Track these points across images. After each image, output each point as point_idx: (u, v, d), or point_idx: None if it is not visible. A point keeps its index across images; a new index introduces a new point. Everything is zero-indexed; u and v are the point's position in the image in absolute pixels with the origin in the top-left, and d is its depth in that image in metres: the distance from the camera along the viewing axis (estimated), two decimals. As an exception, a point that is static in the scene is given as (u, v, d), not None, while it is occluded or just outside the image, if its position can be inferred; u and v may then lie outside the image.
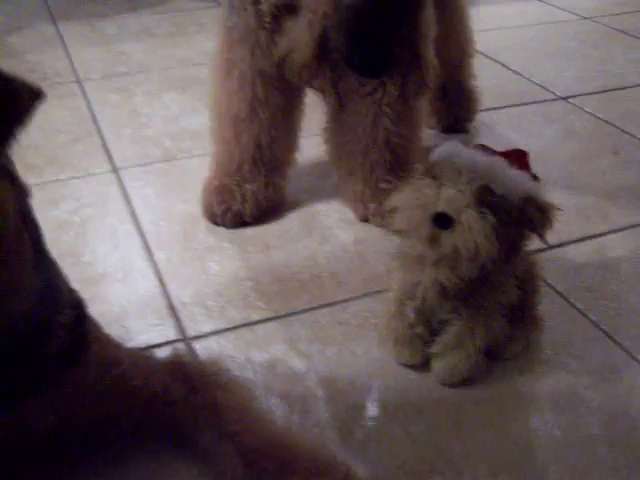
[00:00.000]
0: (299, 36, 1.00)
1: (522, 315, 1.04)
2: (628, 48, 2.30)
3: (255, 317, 1.13)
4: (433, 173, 0.95)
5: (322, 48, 0.98)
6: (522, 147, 1.05)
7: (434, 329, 1.02)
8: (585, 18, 2.54)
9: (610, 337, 1.11)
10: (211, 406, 0.88)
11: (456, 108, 1.69)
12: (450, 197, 0.90)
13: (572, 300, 1.18)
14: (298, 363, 1.04)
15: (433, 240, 0.91)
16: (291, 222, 1.36)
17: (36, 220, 0.78)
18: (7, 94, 0.65)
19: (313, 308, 1.15)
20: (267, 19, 1.18)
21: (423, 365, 1.03)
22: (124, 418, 0.88)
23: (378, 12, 0.93)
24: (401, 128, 1.30)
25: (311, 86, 1.17)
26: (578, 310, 1.16)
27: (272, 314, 1.14)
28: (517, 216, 0.93)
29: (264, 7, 1.17)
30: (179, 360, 0.95)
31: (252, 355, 1.06)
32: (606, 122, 1.79)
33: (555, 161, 1.60)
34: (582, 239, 1.34)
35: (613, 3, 2.69)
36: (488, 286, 0.98)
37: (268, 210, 1.36)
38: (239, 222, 1.33)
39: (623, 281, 1.23)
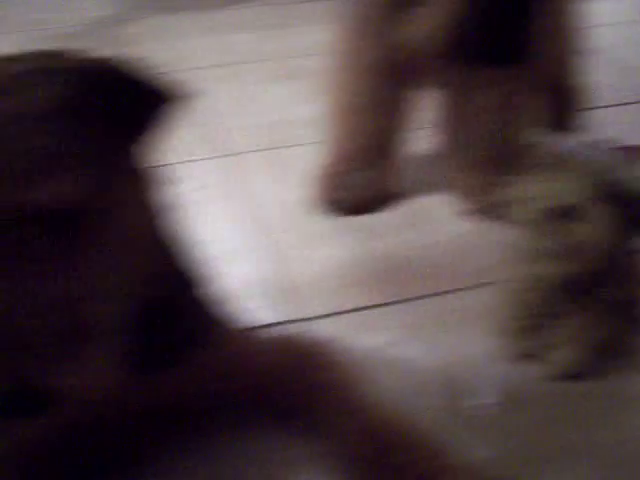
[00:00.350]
0: (430, 26, 1.01)
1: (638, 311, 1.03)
2: None
3: (369, 302, 1.15)
4: (553, 165, 0.95)
5: (455, 38, 0.99)
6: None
7: (549, 321, 1.02)
8: None
9: None
10: (329, 385, 0.90)
11: (561, 105, 1.67)
12: (575, 189, 0.90)
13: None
14: (413, 349, 1.06)
15: (556, 233, 0.91)
16: (403, 211, 1.38)
17: (165, 203, 0.81)
18: (138, 98, 0.67)
19: (427, 296, 1.16)
20: (389, 8, 1.19)
21: (537, 357, 1.03)
22: (242, 396, 0.91)
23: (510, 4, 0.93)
24: (517, 122, 1.30)
25: (435, 78, 1.17)
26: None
27: (386, 300, 1.16)
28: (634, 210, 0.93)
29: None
30: (297, 340, 0.97)
31: (366, 339, 1.08)
32: None
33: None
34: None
35: None
36: (608, 280, 0.97)
37: (381, 199, 1.38)
38: (353, 210, 1.36)
39: None
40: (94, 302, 0.62)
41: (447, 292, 1.17)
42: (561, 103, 1.68)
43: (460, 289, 1.18)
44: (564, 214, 0.89)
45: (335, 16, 1.34)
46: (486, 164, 1.33)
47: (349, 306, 1.15)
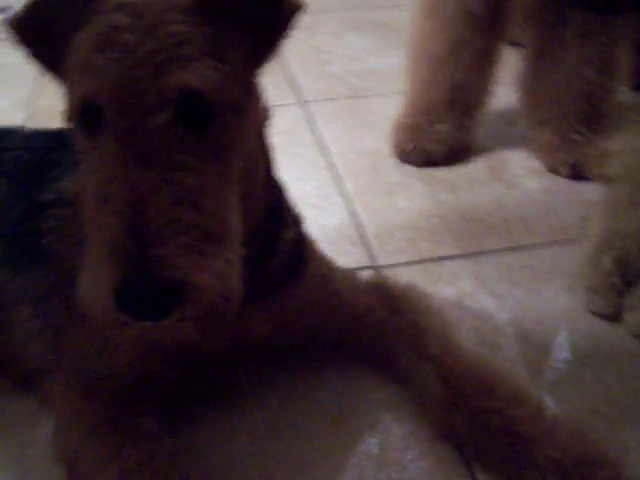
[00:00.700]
0: None
1: None
2: None
3: (444, 253, 1.16)
4: None
5: None
6: None
7: (630, 281, 1.02)
8: None
9: None
10: (413, 328, 0.91)
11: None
12: None
13: None
14: (486, 301, 1.06)
15: None
16: (479, 166, 1.37)
17: (268, 142, 0.82)
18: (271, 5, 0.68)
19: (502, 250, 1.16)
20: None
21: (616, 316, 1.03)
22: (332, 332, 0.93)
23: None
24: (603, 79, 1.28)
25: (528, 25, 1.15)
26: None
27: (460, 251, 1.16)
28: None
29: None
30: (383, 283, 0.98)
31: (440, 289, 1.09)
32: None
33: None
34: None
35: None
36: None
37: (457, 152, 1.38)
38: (428, 161, 1.36)
39: None
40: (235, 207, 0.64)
41: (521, 247, 1.17)
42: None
43: (534, 245, 1.17)
44: None
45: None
46: (564, 121, 1.32)
47: (425, 256, 1.15)
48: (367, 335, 0.93)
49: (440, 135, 1.34)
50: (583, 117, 1.32)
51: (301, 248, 0.87)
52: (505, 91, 1.44)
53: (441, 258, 1.15)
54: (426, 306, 0.95)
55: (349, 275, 0.97)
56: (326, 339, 0.93)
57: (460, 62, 1.30)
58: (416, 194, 1.29)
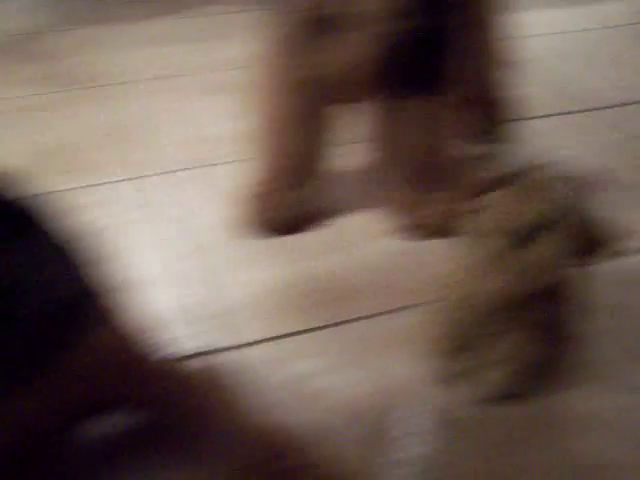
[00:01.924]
0: (358, 51, 0.97)
1: (571, 329, 1.01)
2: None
3: (293, 328, 1.11)
4: (507, 180, 0.93)
5: (378, 66, 0.96)
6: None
7: (484, 341, 0.99)
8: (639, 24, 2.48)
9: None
10: (206, 410, 0.87)
11: (490, 117, 1.65)
12: (534, 213, 0.89)
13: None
14: (333, 378, 1.02)
15: (520, 247, 0.89)
16: (335, 230, 1.34)
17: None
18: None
19: (354, 320, 1.13)
20: (313, 29, 1.16)
21: (471, 378, 1.00)
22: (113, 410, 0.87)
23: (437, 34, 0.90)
24: (444, 137, 1.28)
25: (360, 99, 1.13)
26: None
27: (312, 325, 1.12)
28: (590, 240, 0.92)
29: (313, 13, 1.15)
30: (176, 364, 0.94)
31: (291, 367, 1.04)
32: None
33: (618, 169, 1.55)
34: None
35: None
36: (544, 300, 0.95)
37: (311, 218, 1.34)
38: (280, 230, 1.32)
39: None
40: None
41: (374, 315, 1.14)
42: (490, 115, 1.66)
43: (387, 312, 1.14)
44: (534, 231, 0.87)
45: (266, 31, 1.30)
46: (418, 180, 1.30)
47: (274, 333, 1.11)
48: (155, 417, 0.87)
49: (292, 202, 1.31)
50: (438, 174, 1.31)
51: (77, 316, 0.79)
52: (359, 150, 1.42)
53: (290, 334, 1.11)
54: (225, 387, 0.91)
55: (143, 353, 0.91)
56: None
57: (306, 130, 1.27)
58: (268, 265, 1.25)
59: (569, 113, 1.83)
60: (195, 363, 1.04)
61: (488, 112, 1.63)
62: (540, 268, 0.86)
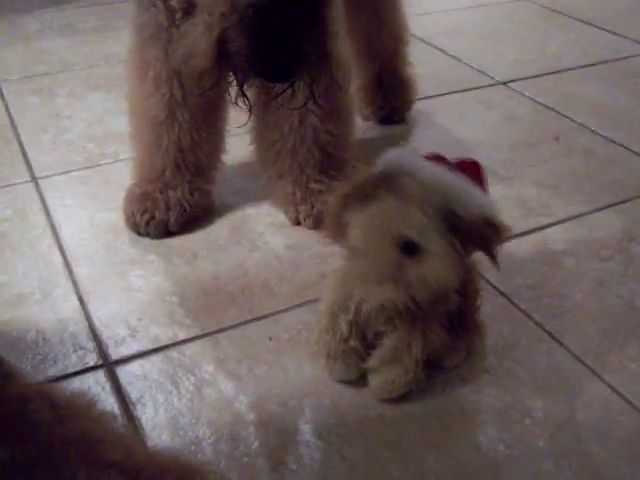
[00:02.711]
0: (195, 40, 0.91)
1: (462, 322, 0.98)
2: (564, 28, 2.26)
3: (183, 336, 1.06)
4: (386, 187, 0.88)
5: (222, 52, 0.89)
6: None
7: (370, 342, 0.96)
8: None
9: (554, 338, 1.06)
10: (86, 437, 0.80)
11: (392, 98, 1.63)
12: (418, 222, 0.84)
13: (515, 300, 1.13)
14: (227, 386, 0.97)
15: (396, 266, 0.85)
16: (219, 229, 1.29)
17: None
18: None
19: (242, 323, 1.08)
20: (178, 16, 1.10)
21: (359, 381, 0.97)
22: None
23: (283, 10, 0.85)
24: (330, 124, 1.24)
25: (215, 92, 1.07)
26: (521, 311, 1.11)
27: (200, 331, 1.07)
28: (475, 239, 0.88)
29: (174, 3, 1.09)
30: (47, 390, 0.87)
31: (179, 379, 0.99)
32: (546, 107, 1.74)
33: (496, 150, 1.55)
34: (524, 233, 1.29)
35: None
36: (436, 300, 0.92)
37: (195, 217, 1.28)
38: (164, 232, 1.26)
39: (567, 276, 1.18)
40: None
41: (263, 317, 1.09)
42: (392, 96, 1.64)
43: (277, 312, 1.10)
44: (409, 248, 0.83)
45: (130, 23, 1.23)
46: (301, 172, 1.26)
47: (162, 342, 1.05)
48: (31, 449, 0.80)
49: (173, 202, 1.25)
50: (320, 165, 1.27)
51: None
52: (244, 142, 1.36)
53: (179, 343, 1.05)
54: (100, 413, 0.84)
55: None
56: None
57: (180, 123, 1.21)
58: (152, 271, 1.19)
59: (452, 93, 1.82)
60: (76, 383, 0.98)
61: (396, 92, 1.60)
62: (439, 281, 0.83)
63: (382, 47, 1.58)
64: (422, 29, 2.09)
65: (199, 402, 0.95)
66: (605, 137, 1.60)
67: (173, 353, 1.03)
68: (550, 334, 1.07)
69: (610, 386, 0.98)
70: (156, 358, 1.03)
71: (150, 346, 1.04)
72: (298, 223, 1.28)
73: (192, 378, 0.99)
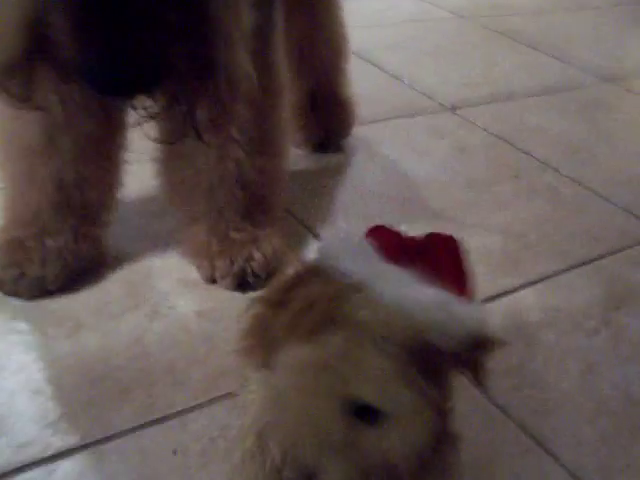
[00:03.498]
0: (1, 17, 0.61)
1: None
2: (510, 51, 2.07)
3: (55, 447, 0.77)
4: (326, 313, 0.60)
5: (38, 39, 0.60)
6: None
7: (311, 473, 0.70)
8: (462, 17, 2.30)
9: (543, 446, 0.83)
10: None
11: (328, 122, 1.38)
12: (376, 371, 0.55)
13: (489, 392, 0.89)
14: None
15: (348, 444, 0.57)
16: (112, 288, 1.00)
17: None
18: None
19: (139, 427, 0.80)
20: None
21: (296, 523, 0.70)
22: None
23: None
24: (258, 158, 0.98)
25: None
26: (499, 407, 0.87)
27: (80, 440, 0.78)
28: (459, 367, 0.62)
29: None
30: None
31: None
32: (500, 138, 1.53)
33: (451, 188, 1.32)
34: (492, 297, 1.06)
35: (487, 4, 2.47)
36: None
37: (80, 272, 0.99)
38: (39, 291, 0.96)
39: (548, 358, 0.96)
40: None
41: (168, 417, 0.82)
42: (328, 119, 1.39)
43: (186, 410, 0.83)
44: (364, 414, 0.55)
45: None
46: (219, 216, 0.99)
47: (26, 460, 0.76)
48: None
49: (51, 252, 0.96)
50: (244, 209, 1.01)
51: None
52: (149, 170, 1.08)
53: (51, 458, 0.76)
54: None
55: None
56: None
57: (62, 152, 0.92)
58: (20, 347, 0.89)
59: (396, 118, 1.58)
60: None
61: (332, 115, 1.35)
62: (412, 451, 0.56)
63: (318, 60, 1.33)
64: (356, 43, 1.85)
65: None
66: (570, 177, 1.40)
67: (40, 475, 0.74)
68: (537, 441, 0.83)
69: (621, 520, 0.75)
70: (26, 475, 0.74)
71: (8, 463, 0.75)
72: (213, 281, 1.01)
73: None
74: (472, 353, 0.60)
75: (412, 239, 0.69)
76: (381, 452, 0.55)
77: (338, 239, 0.64)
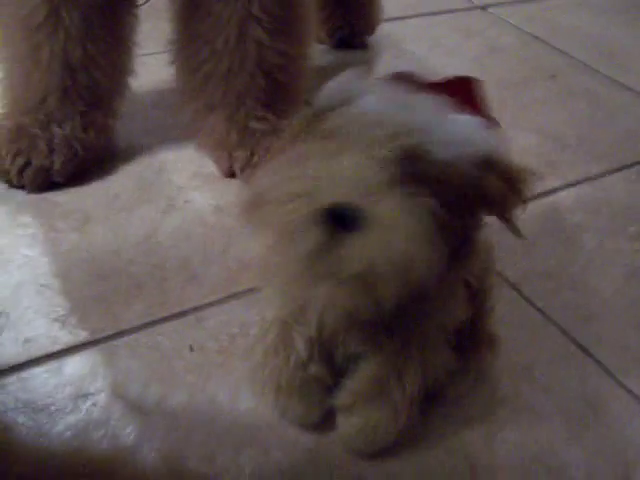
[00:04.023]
0: None
1: (473, 334, 0.68)
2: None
3: (63, 342, 0.72)
4: (322, 130, 0.55)
5: None
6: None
7: (339, 367, 0.64)
8: None
9: (588, 353, 0.77)
10: None
11: (353, 16, 1.29)
12: (356, 174, 0.50)
13: (528, 294, 0.83)
14: (126, 427, 0.65)
15: (328, 250, 0.51)
16: (123, 181, 0.94)
17: None
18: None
19: (152, 323, 0.75)
20: None
21: (325, 424, 0.65)
22: None
23: None
24: (281, 41, 0.89)
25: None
26: (539, 310, 0.81)
27: (89, 336, 0.73)
28: (470, 192, 0.55)
29: None
30: None
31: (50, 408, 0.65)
32: (535, 37, 1.43)
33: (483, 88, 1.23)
34: (529, 198, 0.98)
35: None
36: (424, 303, 0.60)
37: (89, 163, 0.93)
38: (45, 182, 0.90)
39: (590, 261, 0.89)
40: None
41: (183, 314, 0.76)
42: (353, 14, 1.29)
43: (203, 306, 0.77)
44: (344, 218, 0.49)
45: None
46: (239, 104, 0.92)
47: (36, 352, 0.71)
48: None
49: (59, 141, 0.89)
50: (265, 97, 0.93)
51: None
52: (162, 63, 1.00)
53: (60, 352, 0.71)
54: None
55: None
56: None
57: (68, 28, 0.85)
58: (26, 240, 0.84)
59: (424, 15, 1.48)
60: None
61: (358, 9, 1.26)
62: (397, 262, 0.49)
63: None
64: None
65: (82, 451, 0.62)
66: (610, 78, 1.31)
67: (53, 368, 0.70)
68: (580, 346, 0.77)
69: (671, 426, 0.70)
70: (16, 381, 0.69)
71: (15, 358, 0.70)
72: (232, 175, 0.94)
73: (73, 412, 0.66)
74: (486, 175, 0.53)
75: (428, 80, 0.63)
76: (362, 258, 0.48)
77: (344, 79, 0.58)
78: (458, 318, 0.63)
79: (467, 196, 0.55)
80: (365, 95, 0.56)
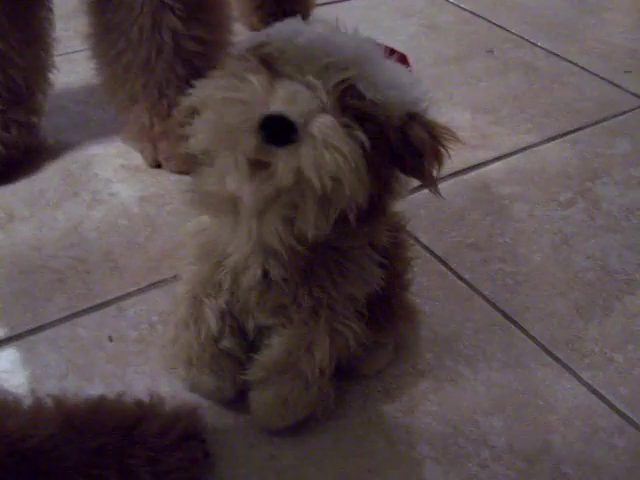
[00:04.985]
0: None
1: (387, 307, 0.67)
2: None
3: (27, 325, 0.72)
4: (262, 54, 0.55)
5: None
6: None
7: (251, 342, 0.64)
8: None
9: (512, 321, 0.77)
10: None
11: (286, 2, 1.28)
12: (293, 93, 0.50)
13: (455, 266, 0.83)
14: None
15: (261, 164, 0.50)
16: (50, 178, 0.93)
17: None
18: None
19: (72, 315, 0.75)
20: None
21: (237, 400, 0.65)
22: None
23: None
24: (197, 28, 0.89)
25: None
26: (465, 282, 0.81)
27: (9, 332, 0.73)
28: (396, 139, 0.54)
29: None
30: None
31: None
32: (473, 14, 1.43)
33: (418, 65, 1.22)
34: (459, 172, 0.99)
35: None
36: (334, 268, 0.60)
37: (13, 162, 0.92)
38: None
39: (520, 231, 0.90)
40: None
41: (105, 304, 0.76)
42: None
43: (124, 296, 0.77)
44: (278, 132, 0.48)
45: None
46: (160, 95, 0.91)
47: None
48: None
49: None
50: (185, 84, 0.92)
51: None
52: (85, 57, 0.99)
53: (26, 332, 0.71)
54: None
55: None
56: None
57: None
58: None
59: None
60: None
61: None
62: (327, 175, 0.49)
63: None
64: None
65: None
66: (548, 51, 1.31)
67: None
68: (505, 315, 0.78)
69: (591, 389, 0.70)
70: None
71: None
72: (158, 165, 0.94)
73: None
74: (412, 125, 0.53)
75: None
76: (292, 169, 0.48)
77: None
78: (369, 287, 0.63)
79: (390, 141, 0.54)
80: (311, 32, 0.56)
